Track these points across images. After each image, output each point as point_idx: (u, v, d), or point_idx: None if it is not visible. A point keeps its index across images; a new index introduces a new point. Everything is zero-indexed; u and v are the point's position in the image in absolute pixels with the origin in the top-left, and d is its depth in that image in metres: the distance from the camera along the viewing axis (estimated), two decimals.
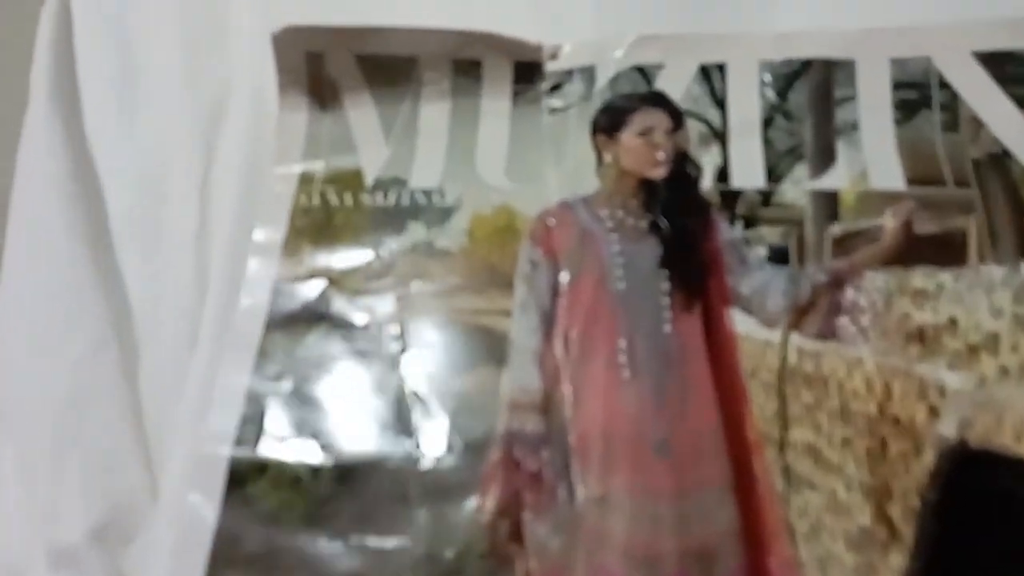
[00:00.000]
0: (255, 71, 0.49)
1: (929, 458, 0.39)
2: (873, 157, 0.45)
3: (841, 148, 0.47)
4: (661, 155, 0.44)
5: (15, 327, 0.46)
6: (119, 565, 0.41)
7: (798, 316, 0.42)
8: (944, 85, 0.45)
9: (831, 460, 0.42)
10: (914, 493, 0.39)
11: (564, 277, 0.43)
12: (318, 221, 0.49)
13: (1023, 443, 0.39)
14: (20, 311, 0.46)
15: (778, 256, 0.45)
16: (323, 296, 0.46)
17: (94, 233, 0.48)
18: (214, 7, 0.50)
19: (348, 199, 0.47)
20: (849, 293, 0.42)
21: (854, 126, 0.45)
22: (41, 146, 0.49)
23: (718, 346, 0.42)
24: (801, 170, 0.47)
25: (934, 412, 0.41)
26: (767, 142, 0.48)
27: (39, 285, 0.47)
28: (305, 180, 0.47)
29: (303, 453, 0.42)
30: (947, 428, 0.40)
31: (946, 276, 0.44)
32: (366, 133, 0.48)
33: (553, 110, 0.47)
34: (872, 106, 0.45)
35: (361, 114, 0.48)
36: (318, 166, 0.48)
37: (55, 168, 0.49)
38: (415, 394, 0.43)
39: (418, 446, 0.40)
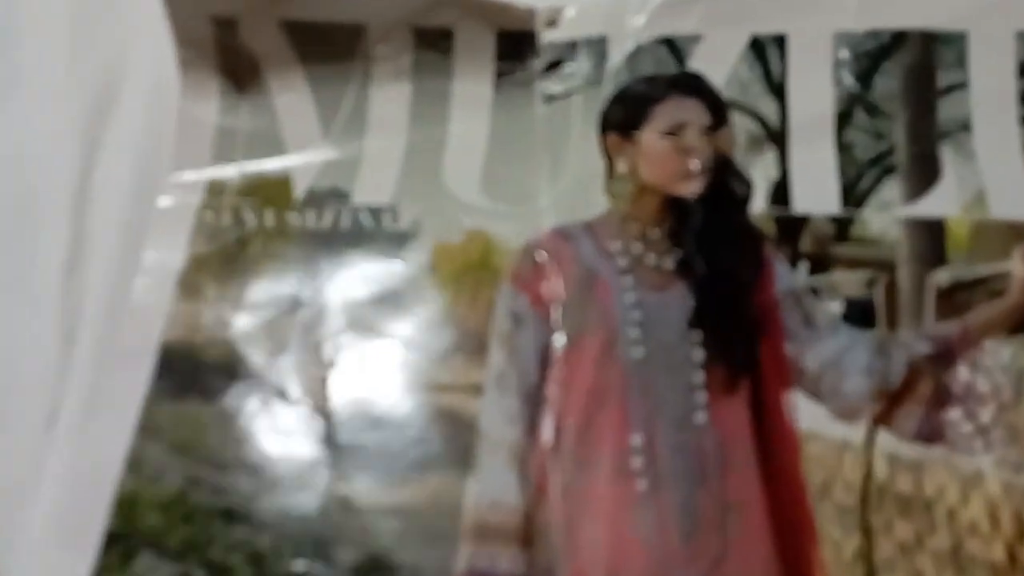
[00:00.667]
0: (157, 46, 0.40)
1: None
2: (993, 170, 0.34)
3: (948, 157, 0.37)
4: (696, 164, 0.33)
5: None
6: None
7: (889, 406, 0.30)
8: None
9: None
10: None
11: (559, 340, 0.32)
12: (228, 248, 0.40)
13: None
14: None
15: (859, 315, 0.35)
16: (230, 360, 0.37)
17: None
18: None
19: (269, 218, 0.40)
20: (963, 373, 0.29)
21: (965, 126, 0.37)
22: None
23: (773, 448, 0.30)
24: (892, 188, 0.37)
25: None
26: (843, 148, 0.38)
27: None
28: (214, 190, 0.38)
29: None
30: None
31: None
32: (297, 127, 0.38)
33: (550, 97, 0.37)
34: (991, 97, 0.35)
35: (291, 101, 0.38)
36: (231, 172, 0.39)
37: None
38: (346, 504, 0.34)
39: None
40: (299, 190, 0.39)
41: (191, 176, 0.39)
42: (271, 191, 0.39)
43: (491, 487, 0.32)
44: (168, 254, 0.39)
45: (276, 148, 0.39)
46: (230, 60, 0.40)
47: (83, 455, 0.36)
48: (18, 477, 0.35)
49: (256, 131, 0.39)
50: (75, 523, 0.34)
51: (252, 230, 0.38)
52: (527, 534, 0.32)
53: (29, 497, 0.34)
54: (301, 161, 0.39)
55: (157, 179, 0.41)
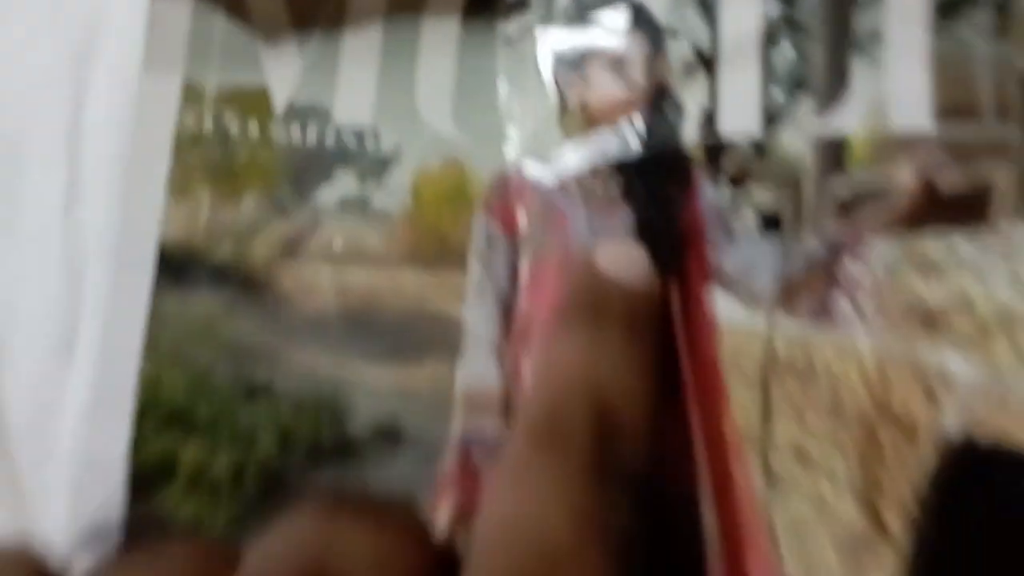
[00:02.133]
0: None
1: (928, 456, 0.39)
2: (898, 82, 0.38)
3: (858, 71, 0.42)
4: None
5: None
6: None
7: (788, 296, 0.38)
8: None
9: (818, 459, 0.40)
10: (911, 494, 0.39)
11: (525, 257, 0.39)
12: (214, 157, 0.40)
13: None
14: None
15: (770, 224, 0.41)
16: (227, 257, 0.42)
17: None
18: None
19: (253, 129, 0.40)
20: (849, 266, 0.38)
21: (877, 37, 0.39)
22: None
23: (695, 334, 0.38)
24: (807, 107, 0.42)
25: (935, 403, 0.40)
26: (768, 70, 0.43)
27: None
28: (192, 96, 0.40)
29: (221, 458, 0.41)
30: (950, 421, 0.40)
31: (961, 241, 0.41)
32: (274, 43, 0.41)
33: (509, 38, 0.41)
34: (904, 7, 0.39)
35: (266, 17, 0.41)
36: (209, 79, 0.40)
37: None
38: (353, 386, 0.41)
39: (356, 446, 0.37)
40: (279, 103, 0.40)
41: (166, 80, 0.40)
42: (251, 101, 0.40)
43: (476, 373, 0.41)
44: (154, 159, 0.39)
45: (252, 59, 0.40)
46: None
47: (103, 373, 0.38)
48: (43, 401, 0.39)
49: (230, 40, 0.40)
50: (99, 444, 0.38)
51: (236, 140, 0.40)
52: (506, 407, 0.41)
53: (55, 418, 0.38)
54: (279, 75, 0.40)
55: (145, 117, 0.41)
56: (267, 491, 0.37)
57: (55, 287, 0.41)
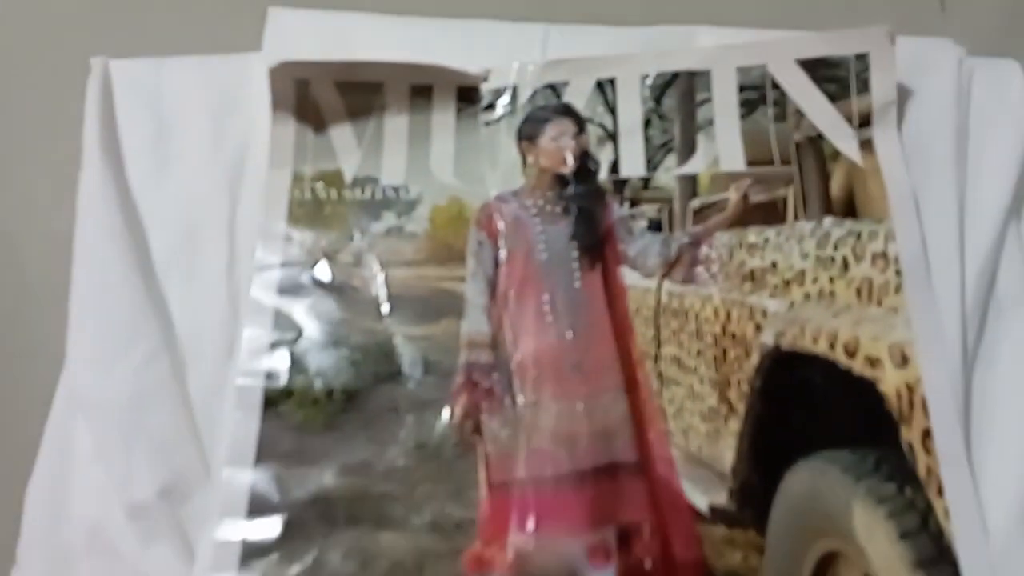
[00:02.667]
0: (268, 136, 0.62)
1: (755, 359, 0.55)
2: (723, 146, 0.61)
3: (700, 140, 0.67)
4: (570, 155, 0.62)
5: (85, 341, 0.57)
6: (179, 516, 0.53)
7: (668, 268, 0.59)
8: (775, 86, 0.61)
9: (689, 365, 0.58)
10: (746, 382, 0.55)
11: (502, 253, 0.59)
12: (310, 212, 0.63)
13: (817, 346, 0.60)
14: (88, 329, 0.57)
15: (655, 226, 0.65)
16: (321, 269, 0.65)
17: (143, 268, 0.59)
18: (234, 78, 0.63)
19: (333, 194, 0.62)
20: (704, 249, 0.59)
21: (710, 122, 0.62)
22: (96, 196, 0.60)
23: (613, 295, 0.58)
24: (671, 159, 0.67)
25: (759, 328, 0.57)
26: (647, 139, 0.63)
27: (101, 309, 0.57)
28: (297, 179, 0.62)
29: (318, 383, 0.58)
30: (767, 338, 0.56)
31: (771, 232, 0.59)
32: (343, 142, 0.63)
33: (487, 123, 0.63)
34: (723, 105, 0.62)
35: (338, 128, 0.63)
36: (307, 168, 0.62)
37: (107, 214, 0.59)
38: (399, 338, 0.63)
39: (402, 374, 0.57)
40: (348, 177, 0.60)
41: (282, 172, 0.60)
42: (331, 178, 0.60)
43: (474, 325, 0.60)
44: (275, 219, 0.60)
45: (331, 155, 0.60)
46: (302, 106, 0.59)
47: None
48: (213, 383, 0.56)
49: (318, 147, 0.60)
50: (243, 437, 0.55)
51: (323, 200, 0.63)
52: (494, 345, 0.62)
53: (220, 399, 0.55)
54: (347, 162, 0.61)
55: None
56: (347, 403, 0.58)
57: (221, 314, 0.59)
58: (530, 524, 0.53)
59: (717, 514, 0.54)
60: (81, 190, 0.61)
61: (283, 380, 0.57)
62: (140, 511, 0.53)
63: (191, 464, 0.55)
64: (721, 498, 0.55)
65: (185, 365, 0.58)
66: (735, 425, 0.56)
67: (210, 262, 0.61)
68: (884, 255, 0.57)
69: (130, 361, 0.57)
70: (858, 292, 0.57)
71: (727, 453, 0.56)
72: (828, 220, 0.60)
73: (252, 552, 0.52)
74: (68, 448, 0.56)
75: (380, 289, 0.61)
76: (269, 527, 0.53)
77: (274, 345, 0.58)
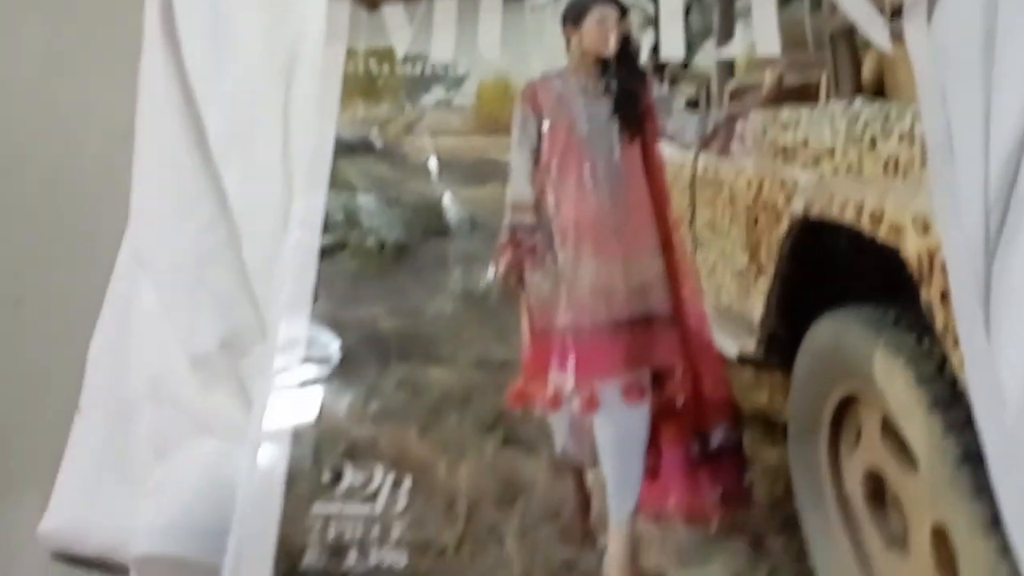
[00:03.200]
0: (321, 25, 0.66)
1: (785, 225, 0.59)
2: (760, 33, 0.65)
3: (739, 27, 0.71)
4: (612, 39, 0.66)
5: (150, 204, 0.61)
6: (236, 367, 0.56)
7: (705, 143, 0.64)
8: None
9: (722, 229, 0.61)
10: (775, 246, 0.59)
11: (546, 125, 0.63)
12: (363, 85, 0.67)
13: (845, 215, 0.64)
14: (150, 196, 0.61)
15: (692, 105, 0.69)
16: (375, 136, 0.69)
17: (201, 145, 0.62)
18: None
19: (385, 69, 0.66)
20: (739, 126, 0.63)
21: (749, 10, 0.67)
22: (156, 78, 0.64)
23: (651, 166, 0.62)
24: (710, 44, 0.71)
25: (789, 198, 0.62)
26: (687, 25, 0.67)
27: (162, 178, 0.61)
28: (351, 54, 0.66)
29: (371, 237, 0.62)
30: (797, 207, 0.59)
31: (804, 111, 0.64)
32: (395, 21, 0.67)
33: (533, 8, 0.67)
34: None
35: (391, 7, 0.68)
36: (360, 45, 0.66)
37: (167, 94, 0.63)
38: (448, 198, 0.66)
39: (450, 231, 0.61)
40: (399, 54, 0.64)
41: (337, 48, 0.63)
42: (384, 55, 0.64)
43: (518, 190, 0.64)
44: (331, 93, 0.64)
45: (384, 34, 0.64)
46: None
47: (304, 229, 0.60)
48: (266, 255, 0.59)
49: (372, 26, 0.64)
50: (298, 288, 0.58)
51: (376, 75, 0.68)
52: (537, 209, 0.66)
53: (272, 269, 0.59)
54: (398, 40, 0.65)
55: (330, 104, 0.65)
56: (398, 255, 0.62)
57: (276, 192, 0.63)
58: (570, 365, 0.57)
59: (745, 360, 0.58)
60: (142, 72, 0.65)
61: (338, 233, 0.61)
62: (202, 361, 0.56)
63: (249, 322, 0.58)
64: (749, 346, 0.59)
65: (240, 237, 0.61)
66: (764, 284, 0.60)
67: (265, 142, 0.64)
68: (911, 134, 0.61)
69: (191, 226, 0.60)
70: (885, 167, 0.61)
71: (756, 308, 0.60)
72: (859, 101, 0.64)
73: (310, 381, 0.56)
74: (131, 305, 0.59)
75: (430, 154, 0.65)
76: (326, 361, 0.57)
77: (330, 203, 0.62)
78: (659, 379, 0.58)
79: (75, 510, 0.52)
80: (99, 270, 0.60)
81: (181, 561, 0.48)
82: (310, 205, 0.62)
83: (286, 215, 0.61)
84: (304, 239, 0.61)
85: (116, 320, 0.59)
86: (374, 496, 0.52)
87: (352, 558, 0.50)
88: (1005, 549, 0.50)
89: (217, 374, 0.56)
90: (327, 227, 0.61)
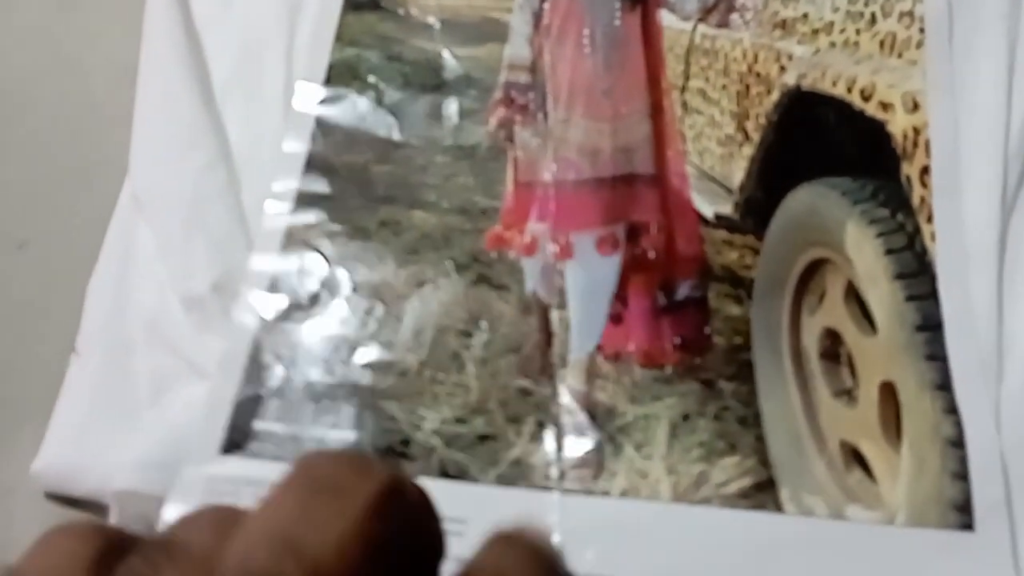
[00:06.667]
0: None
1: (775, 96, 0.60)
2: None
3: None
4: None
5: (147, 148, 0.61)
6: (228, 310, 0.56)
7: (705, 14, 0.65)
8: None
9: (713, 97, 0.63)
10: (763, 116, 0.60)
11: None
12: None
13: (836, 88, 0.65)
14: (150, 136, 0.61)
15: None
16: None
17: (203, 87, 0.63)
18: None
19: None
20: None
21: None
22: (161, 19, 0.64)
23: (650, 33, 0.63)
24: None
25: (783, 69, 0.64)
26: None
27: (163, 119, 0.61)
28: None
29: (371, 90, 0.65)
30: (790, 79, 0.61)
31: None
32: None
33: None
34: None
35: None
36: None
37: (171, 35, 0.64)
38: (447, 54, 0.67)
39: (447, 85, 0.63)
40: None
41: None
42: None
43: (516, 50, 0.66)
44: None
45: None
46: None
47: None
48: (261, 204, 0.59)
49: None
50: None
51: None
52: (532, 70, 0.68)
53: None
54: None
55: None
56: (395, 107, 0.65)
57: (276, 134, 0.62)
58: (549, 215, 0.60)
59: (721, 221, 0.60)
60: (147, 11, 0.65)
61: (340, 85, 0.64)
62: (196, 303, 0.56)
63: (242, 263, 0.58)
64: (727, 208, 0.61)
65: (240, 177, 0.61)
66: (748, 151, 0.62)
67: (267, 86, 0.64)
68: (911, 14, 0.62)
69: (190, 165, 0.61)
70: (881, 44, 0.61)
71: (737, 173, 0.62)
72: None
73: (301, 220, 0.60)
74: (129, 247, 0.59)
75: (432, 13, 0.67)
76: (315, 202, 0.60)
77: (334, 55, 0.65)
78: (634, 233, 0.60)
79: (68, 451, 0.53)
80: (103, 212, 0.60)
81: (158, 498, 0.49)
82: (315, 58, 0.65)
83: (285, 160, 0.61)
84: (306, 90, 0.64)
85: (115, 262, 0.58)
86: (345, 320, 0.56)
87: (317, 373, 0.54)
88: (950, 410, 0.52)
89: (210, 316, 0.55)
90: (329, 79, 0.64)
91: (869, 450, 0.52)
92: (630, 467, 0.51)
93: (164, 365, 0.55)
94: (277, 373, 0.53)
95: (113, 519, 0.51)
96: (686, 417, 0.52)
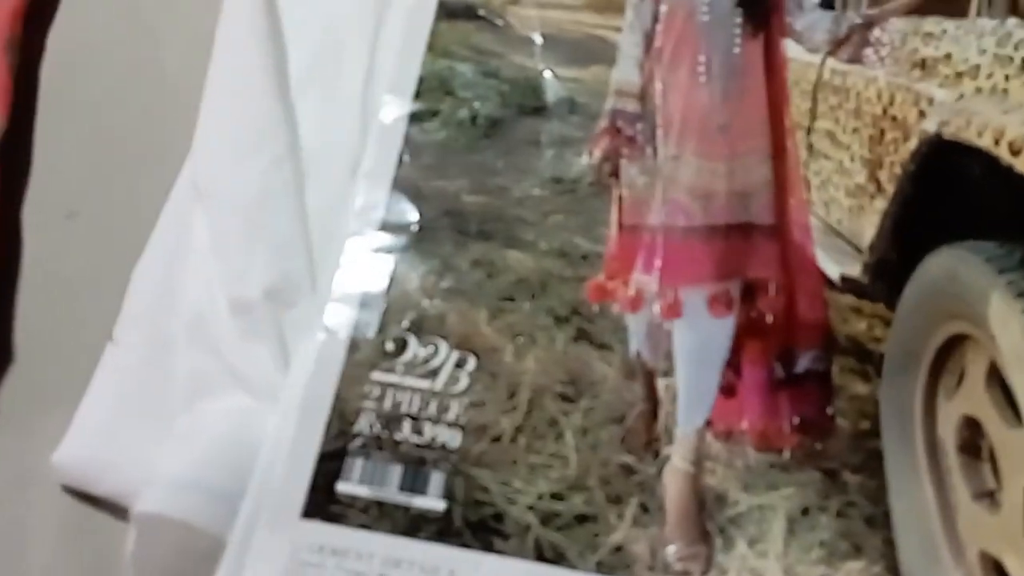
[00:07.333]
0: None
1: (913, 144, 0.54)
2: None
3: None
4: None
5: (214, 137, 0.57)
6: (280, 321, 0.52)
7: (835, 47, 0.58)
8: None
9: (842, 141, 0.57)
10: (899, 165, 0.54)
11: (663, 8, 0.58)
12: None
13: (982, 139, 0.59)
14: (218, 126, 0.57)
15: (827, 4, 0.64)
16: (479, 1, 0.66)
17: (279, 77, 0.59)
18: None
19: None
20: (876, 32, 0.58)
21: None
22: (241, 4, 0.60)
23: (772, 64, 0.57)
24: None
25: (923, 114, 0.59)
26: None
27: (234, 109, 0.58)
28: None
29: (463, 109, 0.61)
30: (930, 125, 0.55)
31: (950, 24, 0.61)
32: None
33: None
34: None
35: None
36: None
37: (251, 19, 0.60)
38: (548, 75, 0.63)
39: (547, 109, 0.59)
40: None
41: None
42: None
43: (624, 74, 0.61)
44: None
45: None
46: None
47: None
48: (330, 201, 0.56)
49: None
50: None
51: None
52: (642, 97, 0.63)
53: (336, 216, 0.55)
54: None
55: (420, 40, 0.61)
56: (489, 129, 0.60)
57: (350, 133, 0.59)
58: (656, 266, 0.55)
59: (848, 283, 0.55)
60: None
61: (431, 100, 0.59)
62: (245, 307, 0.52)
63: (300, 273, 0.54)
64: (855, 270, 0.55)
65: (307, 177, 0.57)
66: (881, 204, 0.56)
67: (346, 81, 0.60)
68: None
69: (257, 162, 0.57)
70: None
71: (868, 229, 0.56)
72: (1012, 21, 0.58)
73: (384, 249, 0.55)
74: (182, 236, 0.55)
75: (535, 27, 0.62)
76: (403, 230, 0.56)
77: (425, 67, 0.60)
78: (751, 292, 0.54)
79: (92, 445, 0.49)
80: (161, 191, 0.57)
81: (186, 526, 0.45)
82: (404, 67, 0.60)
83: (356, 162, 0.58)
84: (395, 103, 0.59)
85: (165, 250, 0.55)
86: (436, 372, 0.51)
87: (406, 430, 0.49)
88: None
89: (258, 324, 0.52)
90: (419, 93, 0.59)
91: (1014, 566, 0.47)
92: (742, 565, 0.46)
93: (204, 368, 0.51)
94: (363, 428, 0.49)
95: (132, 546, 0.47)
96: (805, 511, 0.47)
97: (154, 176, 0.58)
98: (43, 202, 0.58)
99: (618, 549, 0.46)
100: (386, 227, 0.55)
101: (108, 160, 0.60)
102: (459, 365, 0.51)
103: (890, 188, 0.56)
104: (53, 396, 0.51)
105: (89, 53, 0.64)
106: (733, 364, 0.53)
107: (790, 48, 0.59)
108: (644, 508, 0.47)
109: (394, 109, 0.58)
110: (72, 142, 0.61)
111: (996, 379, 0.51)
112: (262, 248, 0.54)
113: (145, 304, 0.54)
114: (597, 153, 0.58)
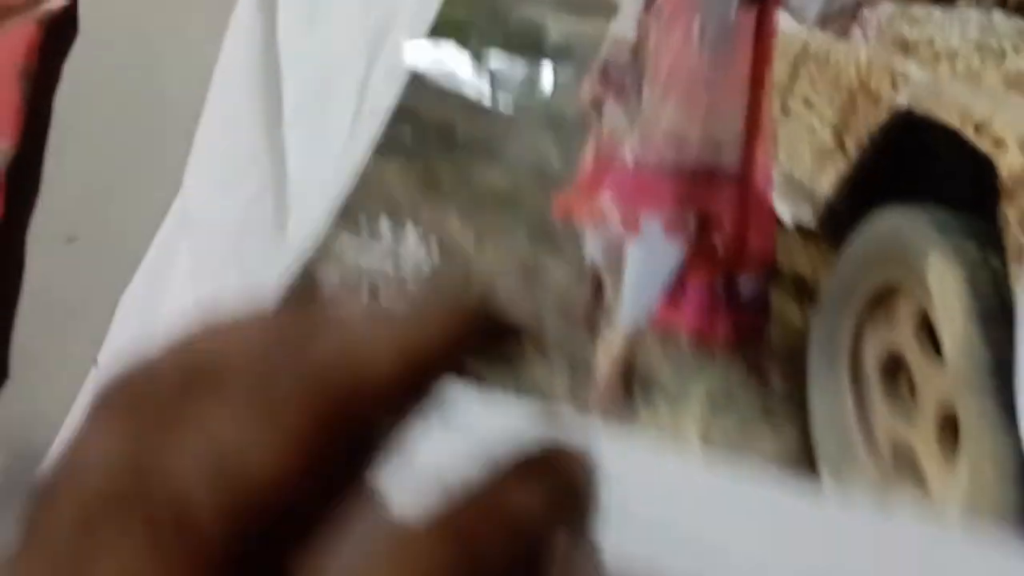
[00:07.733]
0: (415, 9, 0.64)
1: (883, 115, 0.58)
2: None
3: None
4: None
5: (208, 165, 0.59)
6: None
7: (824, 22, 0.63)
8: None
9: (816, 105, 0.61)
10: (865, 133, 0.58)
11: None
12: None
13: (949, 117, 0.62)
14: (208, 157, 0.60)
15: None
16: None
17: (271, 111, 0.61)
18: None
19: None
20: (865, 12, 0.63)
21: None
22: (242, 39, 0.62)
23: (763, 31, 0.61)
24: None
25: (897, 90, 0.64)
26: None
27: (227, 139, 0.60)
28: None
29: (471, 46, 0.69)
30: (902, 100, 0.59)
31: (937, 11, 0.66)
32: None
33: None
34: None
35: None
36: None
37: (250, 57, 0.62)
38: (550, 22, 0.70)
39: (547, 52, 0.66)
40: None
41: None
42: None
43: (622, 28, 0.66)
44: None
45: None
46: None
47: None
48: (309, 235, 0.58)
49: None
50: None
51: None
52: (635, 51, 0.68)
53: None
54: None
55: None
56: (494, 77, 0.65)
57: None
58: (622, 192, 0.59)
59: (799, 227, 0.58)
60: (231, 26, 0.63)
61: (442, 35, 0.65)
62: None
63: (272, 300, 0.57)
64: (807, 216, 0.58)
65: (288, 211, 0.59)
66: (842, 165, 0.59)
67: (335, 119, 0.62)
68: None
69: (242, 193, 0.59)
70: (1007, 81, 0.58)
71: (826, 185, 0.59)
72: (999, 14, 0.62)
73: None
74: (169, 264, 0.58)
75: None
76: (397, 147, 0.60)
77: (442, 9, 0.66)
78: (706, 225, 0.58)
79: None
80: (158, 219, 0.58)
81: None
82: (421, 11, 0.66)
83: (338, 197, 0.60)
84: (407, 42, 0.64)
85: (152, 277, 0.57)
86: (397, 251, 0.56)
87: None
88: (1016, 454, 0.48)
89: None
90: (432, 32, 0.65)
91: (923, 452, 0.49)
92: (661, 422, 0.49)
93: None
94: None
95: None
96: (728, 393, 0.50)
97: (154, 204, 0.60)
98: (46, 225, 0.60)
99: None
100: (381, 147, 0.60)
101: (109, 186, 0.62)
102: (425, 245, 0.55)
103: (853, 152, 0.59)
104: (42, 417, 0.52)
105: (99, 85, 0.66)
106: (680, 283, 0.56)
107: (781, 19, 0.63)
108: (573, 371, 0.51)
109: (406, 48, 0.64)
110: (77, 168, 0.63)
111: (924, 324, 0.53)
112: (235, 278, 0.56)
113: (129, 331, 0.56)
114: (586, 95, 0.63)
